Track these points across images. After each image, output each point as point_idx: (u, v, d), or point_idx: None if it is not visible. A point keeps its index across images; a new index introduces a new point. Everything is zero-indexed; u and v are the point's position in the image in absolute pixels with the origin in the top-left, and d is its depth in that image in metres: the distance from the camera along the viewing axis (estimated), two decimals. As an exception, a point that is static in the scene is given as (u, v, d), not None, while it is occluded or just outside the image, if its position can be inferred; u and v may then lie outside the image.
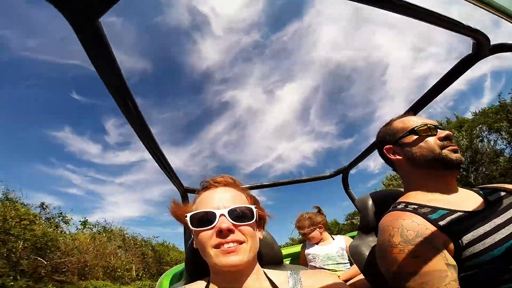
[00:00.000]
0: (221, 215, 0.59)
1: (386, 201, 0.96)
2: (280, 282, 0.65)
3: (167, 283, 1.37)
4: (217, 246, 0.58)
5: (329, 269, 1.93)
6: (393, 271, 0.65)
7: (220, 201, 0.63)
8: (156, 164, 0.83)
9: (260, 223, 0.70)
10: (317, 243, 2.06)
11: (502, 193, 0.78)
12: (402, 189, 0.93)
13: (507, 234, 0.65)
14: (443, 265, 0.61)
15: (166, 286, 1.35)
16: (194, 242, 0.65)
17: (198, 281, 0.67)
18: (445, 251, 0.64)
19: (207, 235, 0.59)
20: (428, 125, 0.82)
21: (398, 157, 0.87)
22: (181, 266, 1.63)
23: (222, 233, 0.58)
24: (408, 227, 0.68)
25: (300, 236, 2.09)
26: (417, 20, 0.63)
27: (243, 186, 0.72)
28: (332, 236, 2.11)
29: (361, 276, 1.59)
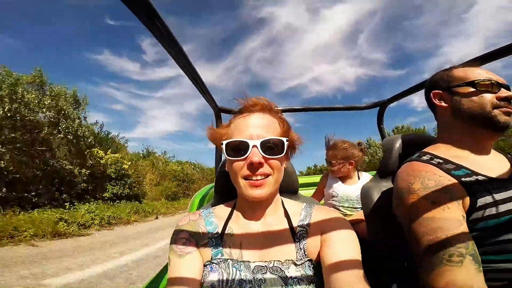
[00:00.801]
0: (254, 146, 0.61)
1: (414, 146, 0.92)
2: (293, 212, 0.70)
3: (197, 202, 1.47)
4: (246, 177, 0.62)
5: (342, 212, 1.75)
6: (410, 216, 0.68)
7: (254, 129, 0.64)
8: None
9: (288, 154, 0.72)
10: (341, 180, 1.78)
11: None
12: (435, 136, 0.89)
13: None
14: (459, 215, 0.63)
15: (196, 204, 1.45)
16: (226, 166, 0.70)
17: (224, 204, 0.74)
18: (462, 205, 0.65)
19: (239, 166, 0.62)
20: (492, 81, 0.74)
21: (443, 104, 0.82)
22: (210, 186, 1.68)
23: (253, 166, 0.61)
24: (429, 177, 0.69)
25: (326, 164, 1.82)
26: None
27: (277, 109, 0.72)
28: (359, 173, 1.83)
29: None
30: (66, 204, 8.43)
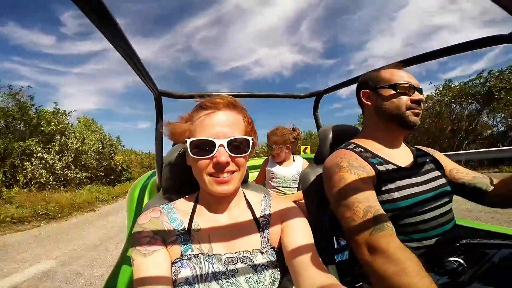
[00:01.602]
0: (220, 145, 0.60)
1: (344, 136, 1.07)
2: (254, 203, 0.74)
3: (137, 194, 1.37)
4: (212, 175, 0.62)
5: (281, 192, 2.06)
6: (337, 186, 0.78)
7: (220, 127, 0.62)
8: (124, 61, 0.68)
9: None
10: (279, 163, 2.07)
11: (428, 158, 0.94)
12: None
13: (413, 192, 0.80)
14: (374, 192, 0.76)
15: (136, 198, 1.34)
16: (188, 161, 0.68)
17: (185, 199, 0.72)
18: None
19: (205, 164, 0.61)
20: (409, 85, 0.87)
21: (369, 103, 0.94)
22: (147, 175, 1.59)
23: (220, 165, 0.60)
24: (353, 160, 0.83)
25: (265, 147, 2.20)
26: None
27: (237, 104, 0.69)
28: (294, 157, 2.12)
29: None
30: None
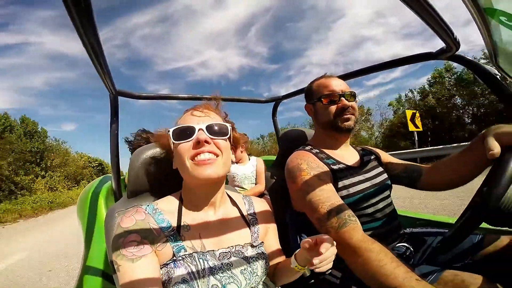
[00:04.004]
0: (200, 129, 0.64)
1: (301, 139, 1.16)
2: (238, 202, 0.78)
3: (88, 201, 1.29)
4: (193, 157, 0.63)
5: (244, 188, 2.25)
6: (301, 188, 0.84)
7: (200, 119, 0.68)
8: (86, 55, 0.63)
9: (233, 146, 0.76)
10: (237, 162, 2.29)
11: (373, 156, 1.07)
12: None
13: (363, 187, 0.91)
14: (334, 188, 0.84)
15: (88, 205, 1.27)
16: (173, 153, 0.69)
17: (167, 199, 0.71)
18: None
19: (186, 147, 0.64)
20: (334, 93, 0.96)
21: (311, 115, 1.06)
22: (98, 181, 1.51)
23: (199, 144, 0.63)
24: (311, 161, 0.90)
25: None
26: None
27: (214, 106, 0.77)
28: (249, 156, 2.37)
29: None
30: None
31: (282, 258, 0.77)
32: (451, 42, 0.77)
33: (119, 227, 0.60)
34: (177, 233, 0.63)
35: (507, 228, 0.62)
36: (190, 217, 0.67)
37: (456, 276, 0.68)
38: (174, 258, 0.59)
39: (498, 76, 0.87)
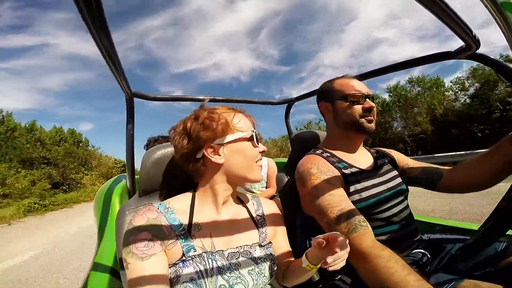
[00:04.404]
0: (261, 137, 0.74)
1: (313, 141, 1.15)
2: (247, 202, 0.80)
3: (102, 201, 1.31)
4: (257, 161, 0.71)
5: (254, 192, 2.17)
6: (311, 193, 0.83)
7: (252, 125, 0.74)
8: (101, 57, 0.65)
9: None
10: None
11: (387, 159, 1.03)
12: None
13: (377, 191, 0.88)
14: (345, 193, 0.83)
15: (101, 204, 1.30)
16: (236, 152, 0.69)
17: (178, 197, 0.72)
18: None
19: (257, 150, 0.71)
20: (360, 94, 0.94)
21: (328, 114, 1.02)
22: (112, 181, 1.53)
23: (263, 153, 0.73)
24: (321, 165, 0.88)
25: None
26: None
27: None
28: None
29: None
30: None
31: (291, 259, 0.76)
32: (471, 40, 0.74)
33: (130, 225, 0.61)
34: (188, 232, 0.63)
35: None
36: (202, 217, 0.68)
37: (476, 286, 0.65)
38: (184, 258, 0.60)
39: None
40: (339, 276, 0.88)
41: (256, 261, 0.66)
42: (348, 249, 0.57)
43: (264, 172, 2.20)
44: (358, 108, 0.94)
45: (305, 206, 0.90)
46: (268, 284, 0.69)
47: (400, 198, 0.92)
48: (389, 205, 0.88)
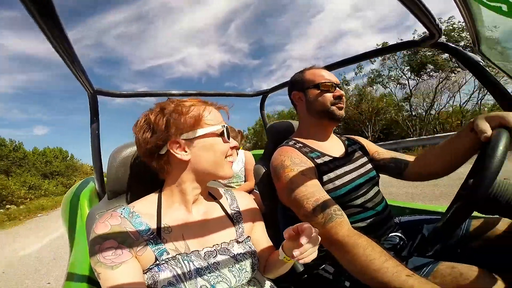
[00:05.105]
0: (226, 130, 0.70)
1: (288, 131, 1.15)
2: (218, 196, 0.77)
3: (68, 205, 1.24)
4: (226, 156, 0.68)
5: (232, 187, 2.12)
6: (286, 186, 0.83)
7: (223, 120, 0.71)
8: (58, 55, 0.62)
9: None
10: None
11: (357, 146, 1.06)
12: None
13: (350, 178, 0.90)
14: (319, 183, 0.83)
15: (68, 208, 1.22)
16: (202, 148, 0.65)
17: (142, 200, 0.68)
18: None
19: (227, 146, 0.68)
20: (330, 83, 0.97)
21: (300, 103, 1.03)
22: (78, 184, 1.43)
23: (233, 148, 0.70)
24: (295, 157, 0.88)
25: None
26: None
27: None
28: (237, 151, 2.20)
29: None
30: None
31: (272, 251, 0.75)
32: (434, 29, 0.77)
33: (93, 233, 0.57)
34: (158, 236, 0.60)
35: (497, 215, 0.62)
36: (171, 218, 0.64)
37: (454, 269, 0.67)
38: (157, 262, 0.57)
39: (481, 63, 0.87)
40: (323, 266, 0.89)
41: (235, 257, 0.65)
42: (318, 240, 0.57)
43: (242, 166, 2.17)
44: (329, 96, 0.96)
45: (282, 199, 0.90)
46: (252, 278, 0.67)
47: (371, 184, 0.95)
48: (362, 191, 0.91)
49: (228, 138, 0.68)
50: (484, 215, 0.71)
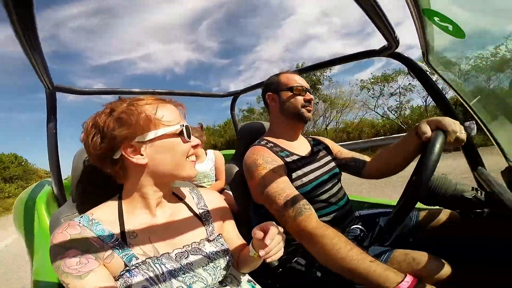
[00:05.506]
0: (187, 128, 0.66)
1: (259, 132, 1.18)
2: (185, 197, 0.75)
3: (22, 211, 1.18)
4: (188, 156, 0.65)
5: (204, 187, 2.02)
6: (262, 183, 0.86)
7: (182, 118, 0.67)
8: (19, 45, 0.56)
9: None
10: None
11: (322, 146, 1.15)
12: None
13: (316, 176, 0.97)
14: (288, 180, 0.88)
15: (22, 214, 1.16)
16: (162, 148, 0.61)
17: (102, 206, 0.64)
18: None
19: (188, 146, 0.64)
20: (302, 87, 1.04)
21: (273, 104, 1.08)
22: (31, 188, 1.36)
23: (195, 147, 0.67)
24: (266, 156, 0.92)
25: None
26: None
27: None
28: (206, 151, 2.19)
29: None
30: None
31: (244, 247, 0.76)
32: (392, 40, 0.85)
33: (53, 245, 0.54)
34: (123, 241, 0.58)
35: (438, 206, 0.71)
36: (135, 223, 0.62)
37: (407, 255, 0.76)
38: (127, 268, 0.55)
39: (428, 72, 1.00)
40: (295, 259, 0.93)
41: (208, 256, 0.64)
42: (283, 238, 0.60)
43: (212, 166, 2.14)
44: (300, 99, 1.03)
45: (255, 196, 0.93)
46: (229, 274, 0.68)
47: (335, 180, 1.04)
48: (327, 187, 0.98)
49: (189, 137, 0.65)
50: (428, 207, 0.82)
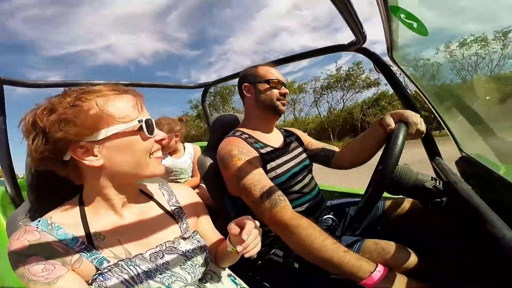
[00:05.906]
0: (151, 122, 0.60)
1: (232, 124, 1.16)
2: (155, 195, 0.71)
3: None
4: (152, 153, 0.59)
5: (180, 182, 1.96)
6: (234, 174, 0.86)
7: (146, 111, 0.60)
8: None
9: None
10: (170, 154, 1.97)
11: (294, 138, 1.17)
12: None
13: (289, 167, 0.99)
14: (263, 171, 0.88)
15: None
16: (123, 147, 0.55)
17: (61, 209, 0.58)
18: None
19: (151, 142, 0.58)
20: (278, 80, 1.05)
21: (249, 95, 1.08)
22: None
23: (160, 141, 0.61)
24: (241, 147, 0.92)
25: None
26: None
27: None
28: (184, 145, 2.08)
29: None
30: None
31: (221, 242, 0.74)
32: (360, 36, 0.87)
33: (11, 252, 0.49)
34: (90, 245, 0.54)
35: (401, 196, 0.76)
36: (100, 225, 0.58)
37: (377, 244, 0.80)
38: (99, 271, 0.52)
39: (392, 68, 1.04)
40: (273, 250, 0.94)
41: (185, 254, 0.61)
42: (259, 232, 0.59)
43: (190, 161, 2.03)
44: (276, 92, 1.04)
45: (230, 188, 0.93)
46: (208, 271, 0.66)
47: (306, 171, 1.07)
48: (299, 178, 1.01)
49: (151, 132, 0.58)
50: (392, 196, 0.88)
